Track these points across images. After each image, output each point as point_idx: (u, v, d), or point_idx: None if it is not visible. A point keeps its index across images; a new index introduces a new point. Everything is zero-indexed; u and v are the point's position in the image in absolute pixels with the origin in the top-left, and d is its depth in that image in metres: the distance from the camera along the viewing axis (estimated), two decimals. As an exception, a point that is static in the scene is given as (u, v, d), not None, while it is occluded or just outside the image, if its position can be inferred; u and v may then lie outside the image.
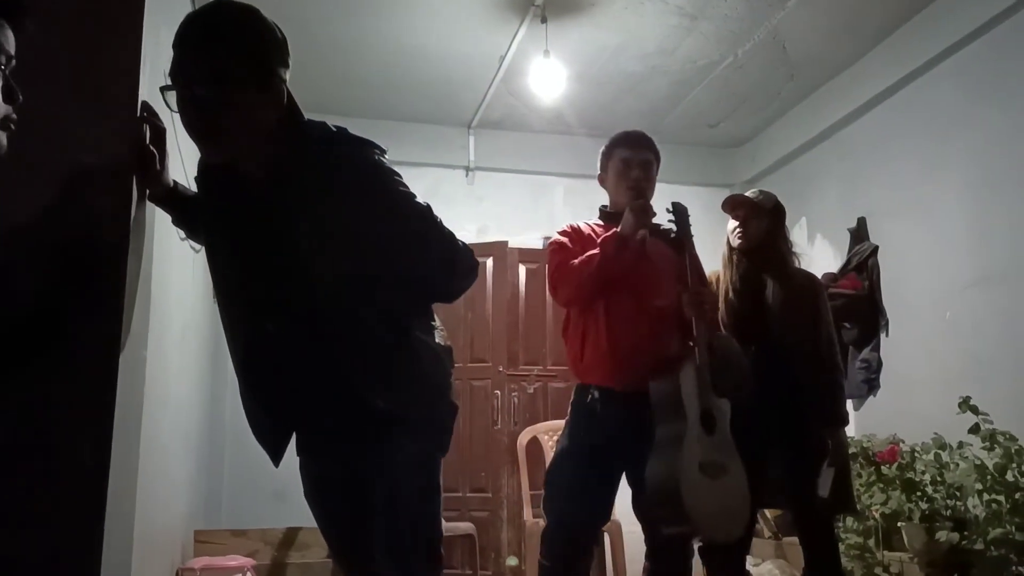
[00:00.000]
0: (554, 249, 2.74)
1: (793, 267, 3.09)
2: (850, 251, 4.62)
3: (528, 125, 5.21)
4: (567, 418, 2.73)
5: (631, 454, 2.60)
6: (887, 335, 4.36)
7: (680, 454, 2.48)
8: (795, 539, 3.18)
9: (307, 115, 4.45)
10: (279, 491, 4.80)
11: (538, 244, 5.21)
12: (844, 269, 4.57)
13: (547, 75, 4.18)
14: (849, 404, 4.52)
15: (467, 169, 5.40)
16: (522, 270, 5.13)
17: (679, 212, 2.74)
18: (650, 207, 2.68)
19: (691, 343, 2.61)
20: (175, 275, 3.47)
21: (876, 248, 4.46)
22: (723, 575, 2.92)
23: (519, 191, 5.45)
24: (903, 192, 4.34)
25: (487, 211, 5.34)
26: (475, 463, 4.84)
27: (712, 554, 2.86)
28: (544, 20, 4.02)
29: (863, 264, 4.46)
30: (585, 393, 2.66)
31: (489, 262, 5.00)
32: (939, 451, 3.57)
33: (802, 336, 2.95)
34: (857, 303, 4.38)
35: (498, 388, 4.91)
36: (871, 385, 4.39)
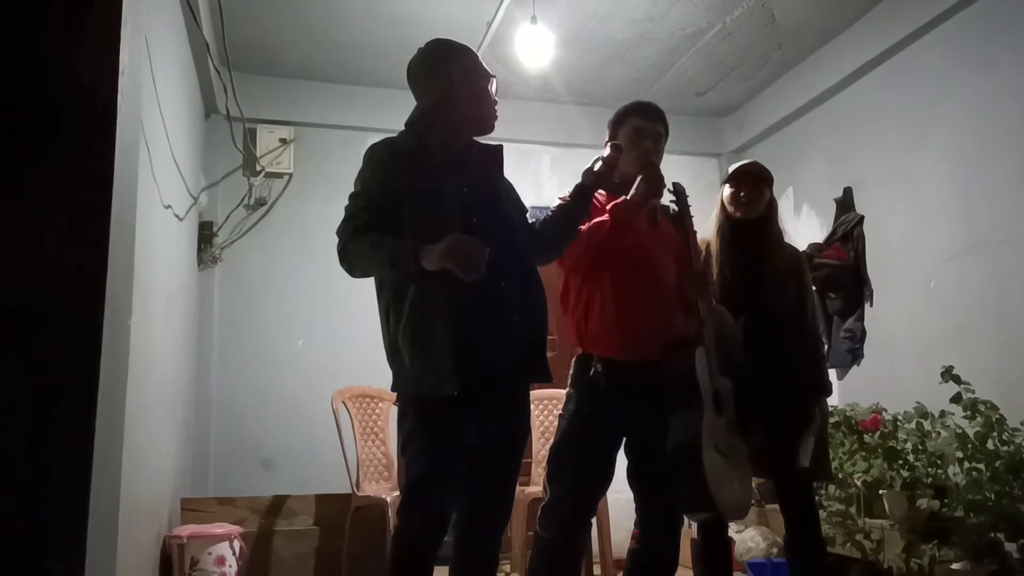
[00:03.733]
0: None
1: (783, 240, 3.11)
2: (836, 221, 4.63)
3: (515, 92, 5.15)
4: (569, 390, 2.71)
5: (633, 425, 2.62)
6: (871, 305, 4.39)
7: (700, 437, 2.50)
8: (777, 506, 3.23)
9: (294, 80, 4.43)
10: (266, 459, 4.83)
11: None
12: (830, 239, 4.58)
13: (534, 42, 4.12)
14: (833, 373, 4.57)
15: (453, 136, 5.35)
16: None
17: (679, 193, 2.73)
18: (663, 178, 2.67)
19: (699, 325, 2.62)
20: (160, 243, 3.43)
21: (862, 218, 4.47)
22: (715, 544, 2.97)
23: (506, 160, 5.40)
24: (889, 162, 4.34)
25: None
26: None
27: (710, 527, 2.91)
28: (532, -16, 3.97)
29: (848, 234, 4.47)
30: (588, 365, 2.64)
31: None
32: (921, 420, 3.61)
33: (789, 308, 2.97)
34: (842, 273, 4.40)
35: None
36: (855, 355, 4.42)
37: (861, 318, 4.41)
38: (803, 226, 4.98)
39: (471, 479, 2.33)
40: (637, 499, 2.72)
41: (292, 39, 4.73)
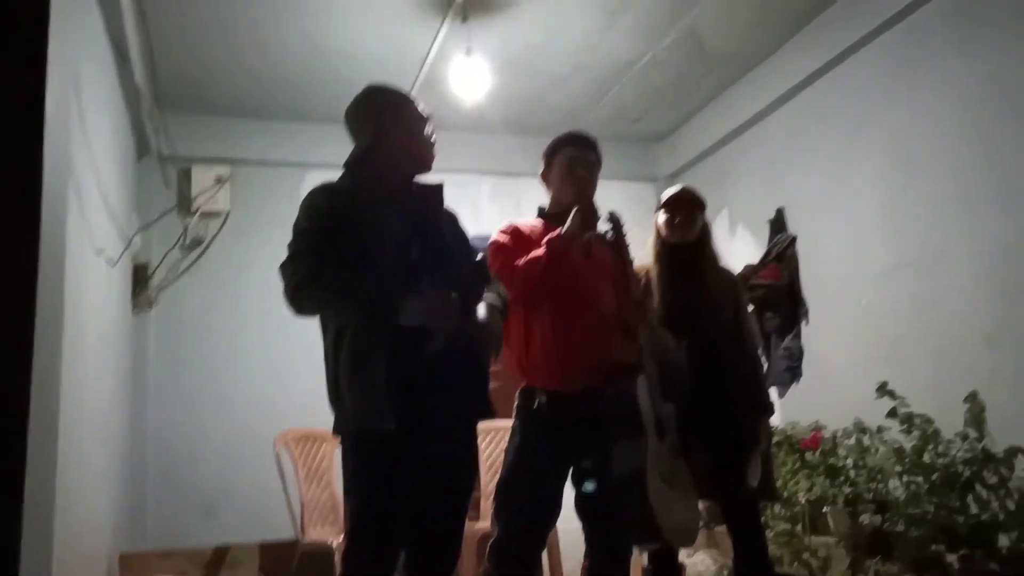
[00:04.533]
0: (495, 250, 2.72)
1: (720, 263, 3.16)
2: (770, 241, 4.72)
3: (452, 124, 5.16)
4: (513, 423, 2.71)
5: (579, 455, 2.63)
6: (807, 323, 4.48)
7: (645, 467, 2.51)
8: (726, 528, 3.26)
9: (229, 118, 4.34)
10: (207, 507, 4.70)
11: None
12: (764, 260, 4.67)
13: (469, 74, 4.15)
14: (773, 392, 4.64)
15: (391, 169, 5.34)
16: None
17: (615, 221, 2.76)
18: (596, 208, 2.70)
19: (638, 351, 2.64)
20: (91, 290, 3.35)
21: (794, 238, 4.56)
22: (665, 572, 2.98)
23: (444, 189, 5.41)
24: (819, 182, 4.45)
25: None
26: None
27: (660, 554, 2.91)
28: (465, 19, 3.99)
29: (782, 254, 4.56)
30: (531, 397, 2.65)
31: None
32: (860, 434, 3.69)
33: (728, 329, 3.02)
34: (777, 293, 4.49)
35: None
36: (794, 373, 4.50)
37: (798, 336, 4.50)
38: (738, 247, 5.07)
39: (418, 518, 2.31)
40: (585, 529, 2.72)
41: (226, 76, 4.68)
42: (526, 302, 2.67)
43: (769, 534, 3.71)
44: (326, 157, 5.18)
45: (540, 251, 2.60)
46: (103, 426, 3.64)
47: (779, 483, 3.82)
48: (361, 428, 2.20)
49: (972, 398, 3.27)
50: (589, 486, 2.65)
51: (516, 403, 2.73)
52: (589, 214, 2.68)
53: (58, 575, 2.60)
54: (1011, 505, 3.10)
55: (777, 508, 3.84)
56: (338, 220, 2.26)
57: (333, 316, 2.28)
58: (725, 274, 3.16)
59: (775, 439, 3.93)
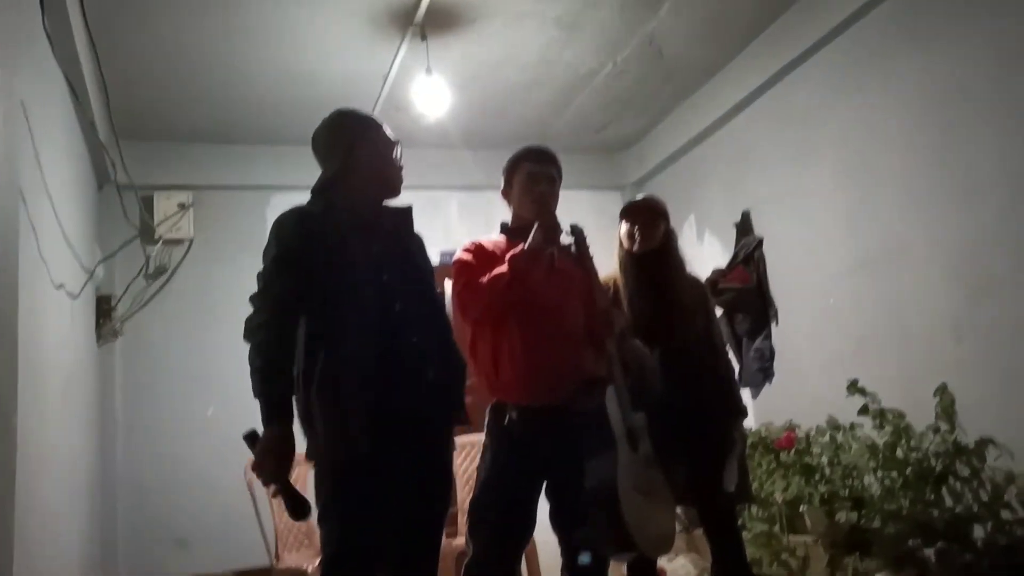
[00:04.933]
0: (459, 268, 2.71)
1: (686, 270, 3.17)
2: (737, 245, 4.76)
3: (418, 140, 5.15)
4: (485, 441, 2.69)
5: (552, 469, 2.61)
6: (777, 324, 4.50)
7: (616, 479, 2.48)
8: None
9: (190, 144, 4.30)
10: (180, 538, 4.63)
11: (435, 260, 5.18)
12: (732, 263, 4.70)
13: (430, 92, 4.15)
14: (747, 393, 4.67)
15: (356, 187, 5.32)
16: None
17: (578, 234, 2.74)
18: (558, 223, 2.70)
19: (607, 363, 2.62)
20: (52, 325, 3.29)
21: (761, 240, 4.60)
22: None
23: (413, 207, 5.39)
24: (780, 185, 4.49)
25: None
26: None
27: (637, 563, 2.90)
28: (424, 37, 3.98)
29: (750, 257, 4.59)
30: (502, 414, 2.64)
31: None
32: (834, 432, 3.71)
33: (698, 336, 3.02)
34: (746, 295, 4.52)
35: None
36: (766, 374, 4.52)
37: (769, 337, 4.52)
38: (706, 251, 5.11)
39: (396, 536, 2.31)
40: (561, 543, 2.70)
41: (184, 102, 4.65)
42: (493, 319, 2.66)
43: (747, 535, 3.72)
44: (290, 179, 5.14)
45: (503, 268, 2.59)
46: (68, 461, 3.57)
47: (755, 484, 3.84)
48: (334, 456, 2.20)
49: (941, 391, 3.30)
50: (562, 500, 2.64)
51: (487, 420, 2.71)
52: (552, 228, 2.67)
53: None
54: (984, 496, 3.13)
55: (754, 509, 3.84)
56: (308, 245, 2.26)
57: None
58: (692, 280, 3.16)
59: (750, 441, 3.94)
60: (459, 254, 2.76)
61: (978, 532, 3.11)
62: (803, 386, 4.29)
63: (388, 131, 2.49)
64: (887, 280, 3.79)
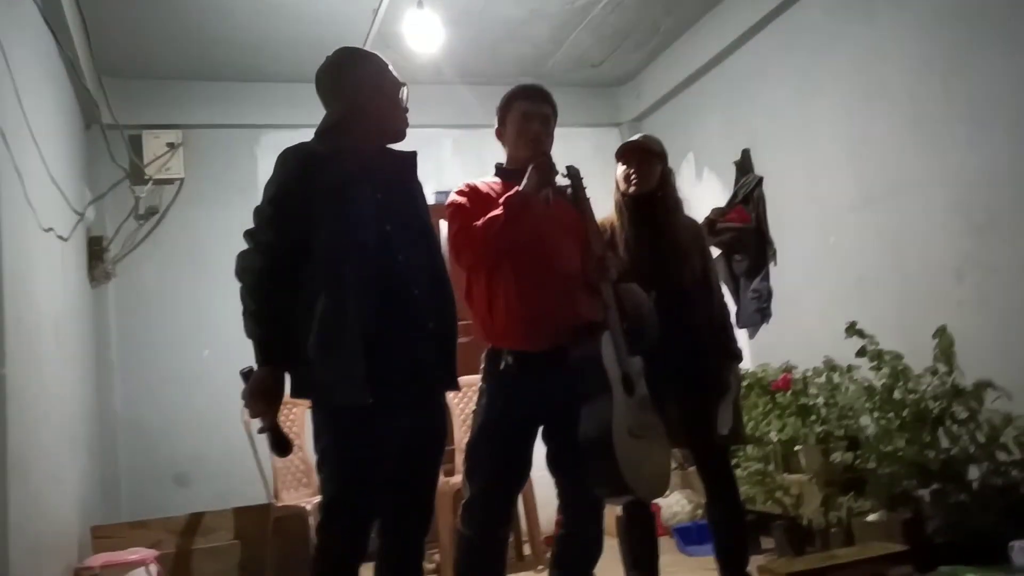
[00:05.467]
0: (452, 212, 2.64)
1: (683, 211, 3.12)
2: (736, 184, 4.67)
3: (410, 77, 4.90)
4: (481, 385, 2.67)
5: (548, 414, 2.59)
6: (776, 264, 4.46)
7: (611, 424, 2.47)
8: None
9: (177, 82, 4.25)
10: (180, 475, 4.67)
11: (430, 200, 5.11)
12: (731, 202, 4.62)
13: (422, 27, 4.03)
14: (744, 333, 4.65)
15: (348, 125, 5.21)
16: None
17: (574, 176, 2.67)
18: (553, 163, 2.63)
19: (602, 307, 2.59)
20: (43, 268, 3.26)
21: (761, 179, 4.52)
22: (639, 520, 3.00)
23: (405, 146, 5.30)
24: (782, 121, 4.39)
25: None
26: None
27: (633, 505, 2.91)
28: (415, -31, 3.87)
29: (749, 196, 4.51)
30: (498, 359, 2.60)
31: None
32: (831, 373, 3.69)
33: (695, 279, 2.99)
34: (746, 235, 4.46)
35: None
36: (763, 314, 4.50)
37: (767, 277, 4.48)
38: (705, 190, 5.03)
39: (391, 487, 2.31)
40: (558, 486, 2.70)
41: (169, 39, 4.51)
42: (487, 264, 2.62)
43: (742, 474, 3.75)
44: (281, 118, 5.11)
45: (498, 211, 2.53)
46: (64, 402, 3.57)
47: (751, 425, 3.85)
48: (336, 402, 2.19)
49: (941, 333, 3.28)
50: (558, 444, 2.64)
51: (483, 365, 2.69)
52: (546, 169, 2.60)
53: (26, 549, 2.62)
54: (981, 438, 3.13)
55: (750, 448, 3.86)
56: (310, 186, 2.22)
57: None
58: (689, 222, 3.12)
59: (746, 382, 3.94)
60: (453, 197, 2.69)
61: (974, 473, 3.12)
62: (801, 326, 4.26)
63: (395, 72, 2.42)
64: (889, 217, 3.73)
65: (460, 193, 2.68)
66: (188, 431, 4.68)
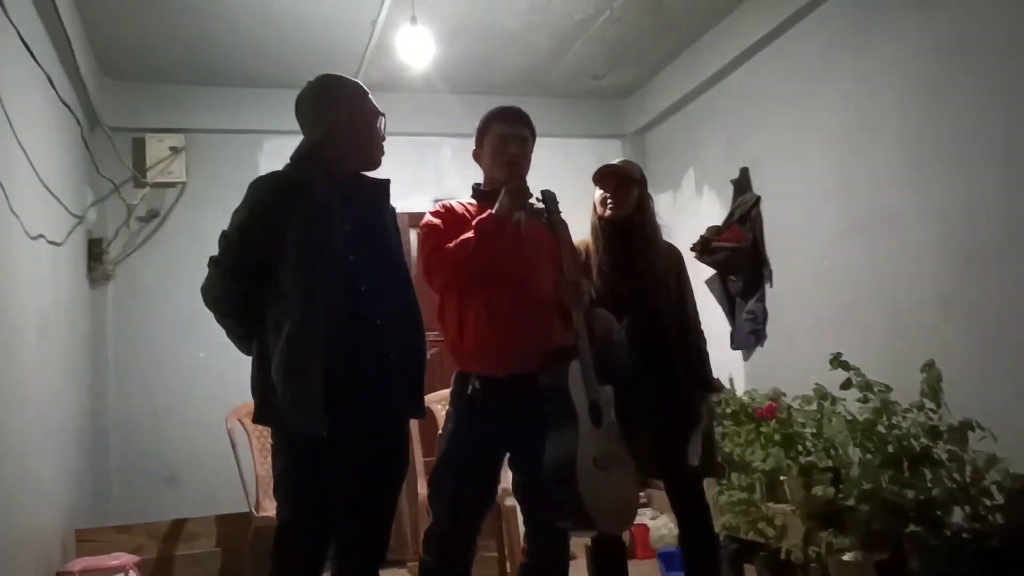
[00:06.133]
0: (426, 232, 2.63)
1: (660, 237, 3.07)
2: (734, 202, 4.59)
3: (410, 85, 5.04)
4: (448, 409, 2.66)
5: (515, 440, 2.57)
6: (771, 286, 4.39)
7: (575, 455, 2.44)
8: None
9: (181, 86, 4.29)
10: (170, 476, 4.71)
11: (429, 207, 5.10)
12: (728, 221, 4.54)
13: (414, 41, 4.03)
14: (738, 355, 4.59)
15: (350, 134, 5.22)
16: (412, 235, 5.00)
17: (548, 200, 2.64)
18: (527, 187, 2.61)
19: (573, 333, 2.56)
20: (22, 274, 3.29)
21: (758, 199, 4.44)
22: (608, 551, 2.95)
23: (406, 153, 5.25)
24: (779, 141, 4.32)
25: (374, 176, 5.16)
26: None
27: (601, 538, 2.88)
28: (409, -18, 3.85)
29: (746, 215, 4.43)
30: (465, 382, 2.59)
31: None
32: (822, 401, 3.62)
33: (670, 306, 2.95)
34: (740, 256, 4.38)
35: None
36: (758, 336, 4.42)
37: (762, 299, 4.41)
38: (705, 206, 4.97)
39: (347, 513, 2.33)
40: (524, 513, 2.69)
41: (174, 45, 4.54)
42: (459, 287, 2.60)
43: (726, 501, 3.70)
44: (283, 123, 5.00)
45: (470, 234, 2.52)
46: (52, 406, 3.62)
47: (736, 451, 3.79)
48: (292, 429, 2.21)
49: (929, 368, 3.19)
50: (524, 471, 2.61)
51: (451, 388, 2.68)
52: (519, 193, 2.58)
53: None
54: (965, 478, 3.05)
55: (735, 476, 3.80)
56: (279, 216, 2.25)
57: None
58: (667, 248, 3.07)
59: (731, 409, 3.89)
60: (427, 217, 2.68)
61: (958, 515, 3.04)
62: (793, 350, 4.20)
63: (373, 102, 2.43)
64: (879, 247, 3.66)
65: (435, 214, 2.67)
66: (180, 433, 4.73)
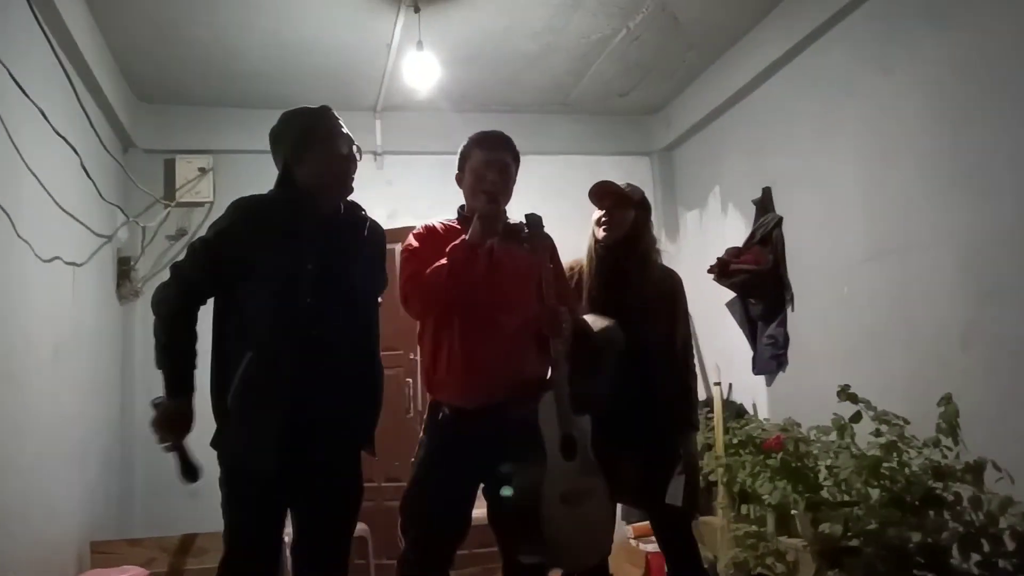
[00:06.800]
0: (406, 258, 2.61)
1: (655, 264, 2.99)
2: (755, 223, 4.44)
3: (434, 104, 5.05)
4: (421, 437, 2.64)
5: (487, 471, 2.53)
6: (793, 309, 4.23)
7: (540, 491, 2.40)
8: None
9: (208, 108, 4.31)
10: (194, 491, 4.77)
11: (452, 215, 5.11)
12: (748, 242, 4.39)
13: (420, 66, 4.05)
14: (760, 380, 4.45)
15: (375, 154, 5.26)
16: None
17: (533, 224, 2.58)
18: (501, 214, 2.57)
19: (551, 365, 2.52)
20: (39, 296, 3.39)
21: (780, 219, 4.29)
22: None
23: (429, 172, 5.20)
24: (801, 162, 4.18)
25: (397, 195, 5.17)
26: (388, 452, 4.77)
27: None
28: (417, 10, 3.87)
29: (767, 236, 4.28)
30: (437, 411, 2.58)
31: (398, 248, 4.87)
32: (841, 431, 3.47)
33: (660, 336, 2.87)
34: (760, 278, 4.22)
35: (410, 376, 4.82)
36: (779, 361, 4.26)
37: (783, 323, 4.25)
38: (729, 226, 4.83)
39: (300, 539, 2.38)
40: (498, 544, 2.66)
41: (199, 70, 4.66)
42: (434, 315, 2.58)
43: (732, 534, 3.58)
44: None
45: (444, 260, 2.49)
46: (64, 418, 3.71)
47: (748, 482, 3.66)
48: (240, 464, 2.27)
49: (946, 402, 3.02)
50: (495, 503, 2.58)
51: (425, 417, 2.66)
52: (491, 219, 2.52)
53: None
54: (975, 520, 2.88)
55: (744, 509, 3.68)
56: (252, 239, 2.29)
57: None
58: (661, 276, 2.98)
59: (738, 439, 3.77)
60: (409, 239, 2.67)
61: (974, 556, 2.87)
62: (814, 377, 4.03)
63: (340, 127, 2.45)
64: (899, 273, 3.50)
65: (416, 236, 2.66)
66: (206, 448, 4.78)
